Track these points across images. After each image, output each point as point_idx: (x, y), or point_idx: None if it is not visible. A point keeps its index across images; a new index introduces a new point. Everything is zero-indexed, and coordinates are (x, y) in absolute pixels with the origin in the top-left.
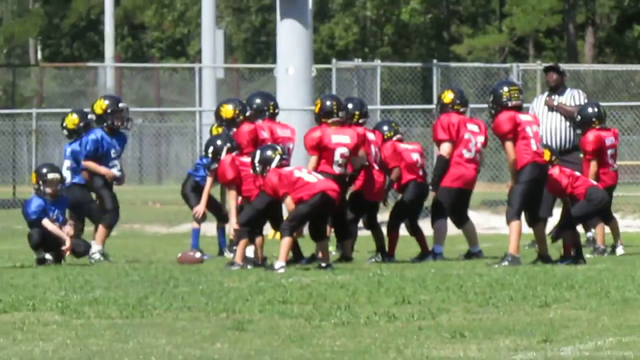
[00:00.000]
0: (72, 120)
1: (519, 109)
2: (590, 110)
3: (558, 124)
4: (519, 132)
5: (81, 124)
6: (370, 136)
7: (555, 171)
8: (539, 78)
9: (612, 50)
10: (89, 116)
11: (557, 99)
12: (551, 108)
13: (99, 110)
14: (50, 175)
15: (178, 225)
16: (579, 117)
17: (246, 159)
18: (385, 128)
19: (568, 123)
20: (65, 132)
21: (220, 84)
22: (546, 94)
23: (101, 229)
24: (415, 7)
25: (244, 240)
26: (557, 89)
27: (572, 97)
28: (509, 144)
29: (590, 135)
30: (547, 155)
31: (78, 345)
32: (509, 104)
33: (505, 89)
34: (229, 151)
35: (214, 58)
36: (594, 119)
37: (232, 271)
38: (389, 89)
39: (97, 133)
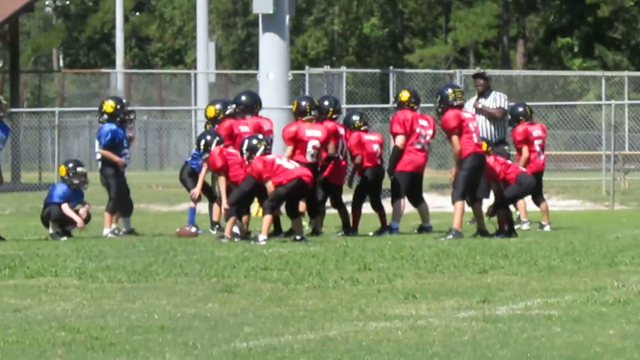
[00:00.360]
0: (109, 106)
1: (461, 107)
2: (519, 109)
3: (483, 123)
4: (463, 128)
5: (118, 107)
6: (340, 130)
7: (490, 160)
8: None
9: (539, 59)
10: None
11: (482, 102)
12: (478, 110)
13: (109, 109)
14: (79, 169)
15: (177, 204)
16: (510, 115)
17: (232, 150)
18: (356, 118)
19: (489, 122)
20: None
21: (212, 87)
22: (475, 97)
23: (106, 215)
24: (375, 22)
25: (233, 217)
26: (483, 92)
27: (494, 100)
28: (454, 138)
29: (520, 129)
30: (484, 147)
31: (93, 305)
32: (454, 104)
33: (451, 90)
34: (218, 144)
35: (207, 65)
36: (521, 117)
37: (222, 243)
38: (352, 91)
39: (112, 126)
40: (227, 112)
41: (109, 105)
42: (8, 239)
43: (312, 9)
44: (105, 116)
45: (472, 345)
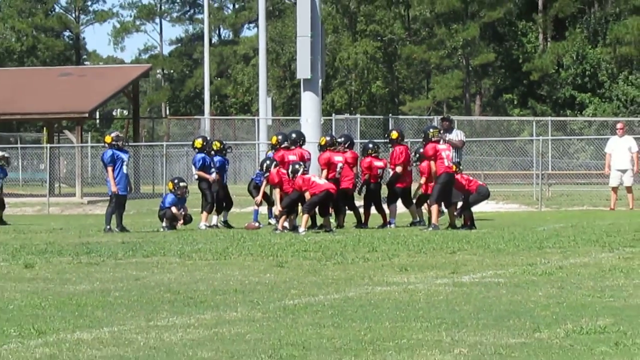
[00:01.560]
0: (198, 142)
1: (438, 142)
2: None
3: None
4: (437, 156)
5: (204, 144)
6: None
7: (458, 177)
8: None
9: (491, 108)
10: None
11: (447, 137)
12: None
13: (199, 145)
14: (182, 184)
15: (245, 207)
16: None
17: (283, 171)
18: (370, 146)
19: (452, 149)
20: (195, 149)
21: (269, 128)
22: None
23: (202, 214)
24: (379, 84)
25: (284, 216)
26: (448, 129)
27: (457, 134)
28: (432, 162)
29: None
30: (454, 168)
31: (189, 275)
32: (433, 139)
33: (431, 130)
34: (275, 166)
35: (266, 113)
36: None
37: (276, 234)
38: (364, 131)
39: (201, 154)
40: (282, 145)
41: (198, 142)
42: (131, 231)
43: (337, 75)
44: (196, 149)
45: (446, 302)
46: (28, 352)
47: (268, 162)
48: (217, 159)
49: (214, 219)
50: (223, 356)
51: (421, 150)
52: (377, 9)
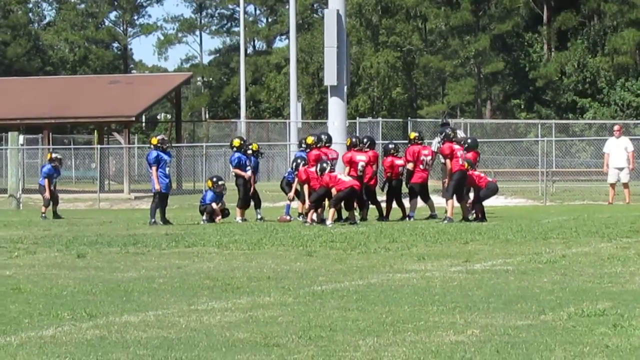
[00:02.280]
0: (236, 142)
1: (452, 142)
2: (470, 141)
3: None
4: (453, 155)
5: (242, 142)
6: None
7: (469, 174)
8: (463, 126)
9: (500, 112)
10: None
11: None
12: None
13: (237, 144)
14: (220, 182)
15: (278, 202)
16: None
17: (312, 169)
18: (392, 146)
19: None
20: (233, 149)
21: (299, 131)
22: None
23: (237, 209)
24: (399, 90)
25: (312, 210)
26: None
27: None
28: (447, 160)
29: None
30: (466, 166)
31: (226, 264)
32: (452, 139)
33: (448, 131)
34: (304, 165)
35: (296, 117)
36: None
37: (305, 226)
38: (385, 133)
39: (238, 154)
40: (317, 145)
41: (236, 142)
42: (174, 224)
43: (361, 82)
44: (235, 148)
45: (459, 288)
46: (80, 334)
47: (298, 160)
48: (253, 159)
49: (257, 213)
50: (257, 337)
51: (448, 130)
52: (397, 22)
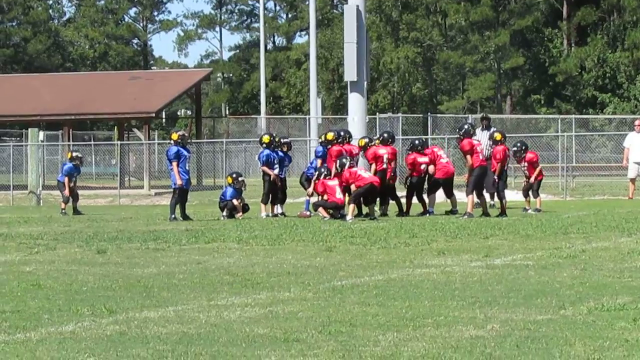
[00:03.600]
0: (266, 138)
1: (471, 137)
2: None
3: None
4: (473, 150)
5: (271, 139)
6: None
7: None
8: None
9: (520, 107)
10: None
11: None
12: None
13: (266, 140)
14: (240, 178)
15: (298, 197)
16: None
17: (331, 183)
18: (418, 142)
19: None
20: (263, 145)
21: (319, 126)
22: (480, 128)
23: (261, 204)
24: (419, 86)
25: (354, 206)
26: (487, 127)
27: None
28: (468, 156)
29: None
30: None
31: (246, 259)
32: (471, 134)
33: (467, 127)
34: (325, 177)
35: (316, 112)
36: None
37: (324, 221)
38: (405, 128)
39: (267, 151)
40: (338, 141)
41: (265, 138)
42: (194, 220)
43: (381, 77)
44: (264, 144)
45: (479, 283)
46: (100, 329)
47: (344, 159)
48: (280, 154)
49: (278, 207)
50: (277, 332)
51: (466, 126)
52: (417, 17)
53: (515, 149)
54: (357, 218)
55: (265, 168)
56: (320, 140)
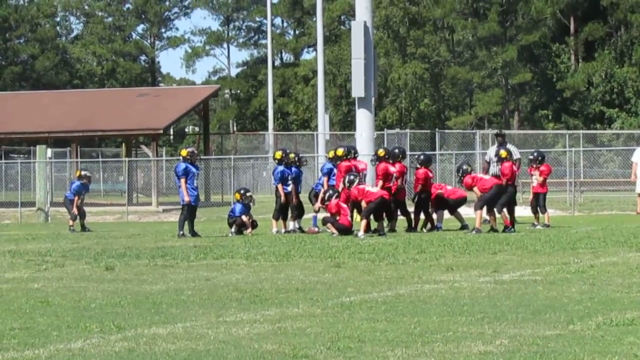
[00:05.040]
0: (278, 154)
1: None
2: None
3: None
4: (475, 182)
5: (283, 155)
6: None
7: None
8: (490, 137)
9: (528, 123)
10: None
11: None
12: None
13: (278, 156)
14: (248, 194)
15: (306, 214)
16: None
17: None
18: (427, 157)
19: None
20: (275, 161)
21: (327, 142)
22: (495, 145)
23: (273, 220)
24: (427, 102)
25: (365, 221)
26: (502, 144)
27: (514, 152)
28: (475, 189)
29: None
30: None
31: (254, 276)
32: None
33: (465, 167)
34: (336, 197)
35: (324, 129)
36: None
37: (333, 237)
38: (413, 144)
39: (280, 167)
40: (348, 157)
41: (278, 154)
42: (202, 236)
43: (389, 93)
44: (276, 160)
45: (488, 298)
46: (108, 346)
47: (352, 176)
48: (294, 169)
49: (291, 224)
50: (286, 348)
51: (464, 167)
52: (424, 33)
53: (531, 157)
54: (366, 234)
55: (279, 187)
56: (328, 156)
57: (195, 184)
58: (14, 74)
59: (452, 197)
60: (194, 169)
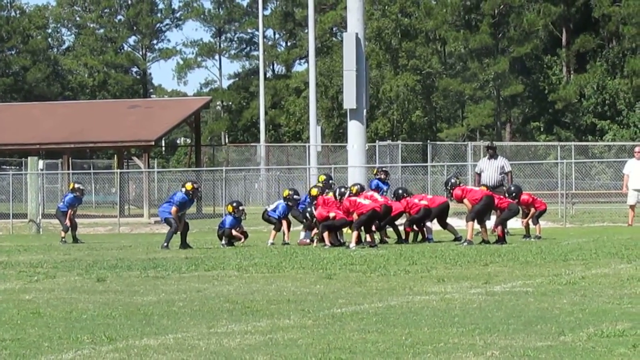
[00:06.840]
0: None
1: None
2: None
3: (492, 174)
4: (465, 193)
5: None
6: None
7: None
8: (482, 149)
9: (519, 135)
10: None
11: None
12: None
13: (285, 194)
14: (240, 207)
15: (298, 225)
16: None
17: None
18: (400, 191)
19: (497, 174)
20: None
21: (318, 154)
22: (486, 158)
23: (272, 232)
24: (419, 113)
25: (327, 232)
26: (493, 156)
27: (504, 162)
28: (466, 201)
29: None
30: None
31: (246, 287)
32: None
33: (453, 180)
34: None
35: (315, 140)
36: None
37: (324, 249)
38: (405, 156)
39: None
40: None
41: (286, 192)
42: (194, 247)
43: (380, 105)
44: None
45: (479, 310)
46: (100, 357)
47: (342, 189)
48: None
49: (302, 234)
50: (277, 359)
51: (453, 180)
52: (416, 45)
53: (507, 195)
54: (357, 245)
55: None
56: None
57: (185, 212)
58: (5, 86)
59: (433, 206)
60: (189, 203)
